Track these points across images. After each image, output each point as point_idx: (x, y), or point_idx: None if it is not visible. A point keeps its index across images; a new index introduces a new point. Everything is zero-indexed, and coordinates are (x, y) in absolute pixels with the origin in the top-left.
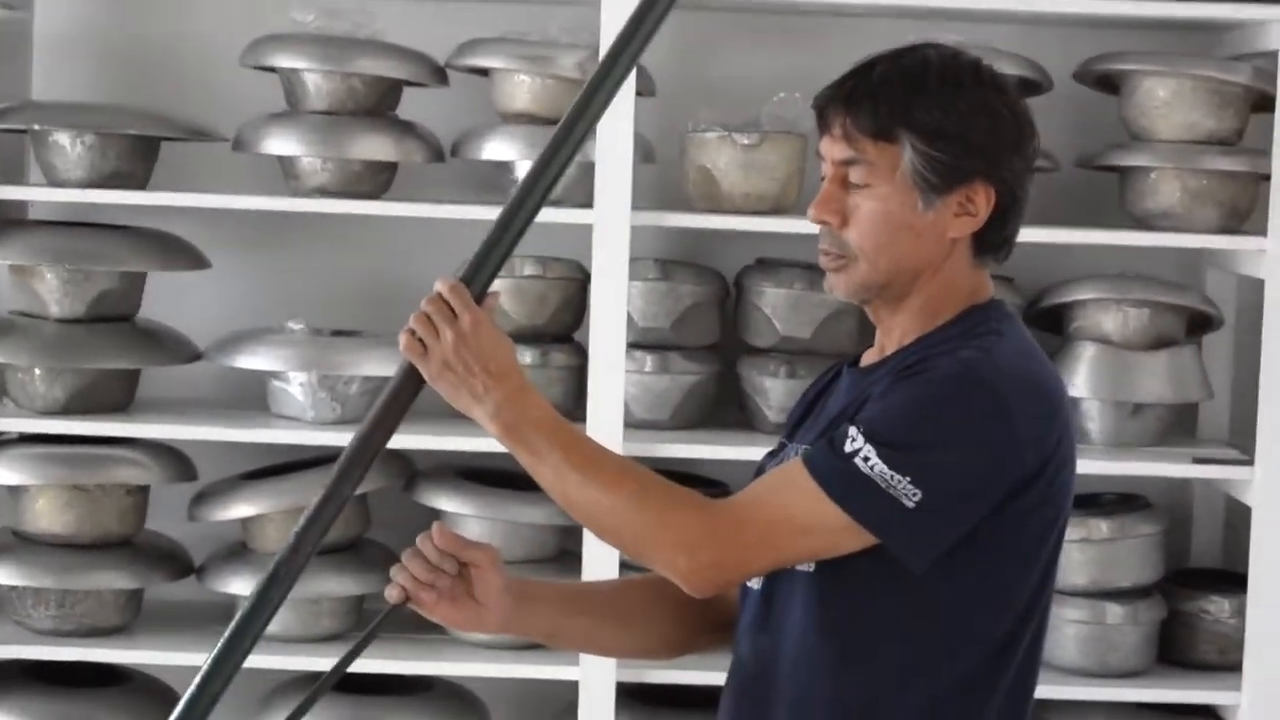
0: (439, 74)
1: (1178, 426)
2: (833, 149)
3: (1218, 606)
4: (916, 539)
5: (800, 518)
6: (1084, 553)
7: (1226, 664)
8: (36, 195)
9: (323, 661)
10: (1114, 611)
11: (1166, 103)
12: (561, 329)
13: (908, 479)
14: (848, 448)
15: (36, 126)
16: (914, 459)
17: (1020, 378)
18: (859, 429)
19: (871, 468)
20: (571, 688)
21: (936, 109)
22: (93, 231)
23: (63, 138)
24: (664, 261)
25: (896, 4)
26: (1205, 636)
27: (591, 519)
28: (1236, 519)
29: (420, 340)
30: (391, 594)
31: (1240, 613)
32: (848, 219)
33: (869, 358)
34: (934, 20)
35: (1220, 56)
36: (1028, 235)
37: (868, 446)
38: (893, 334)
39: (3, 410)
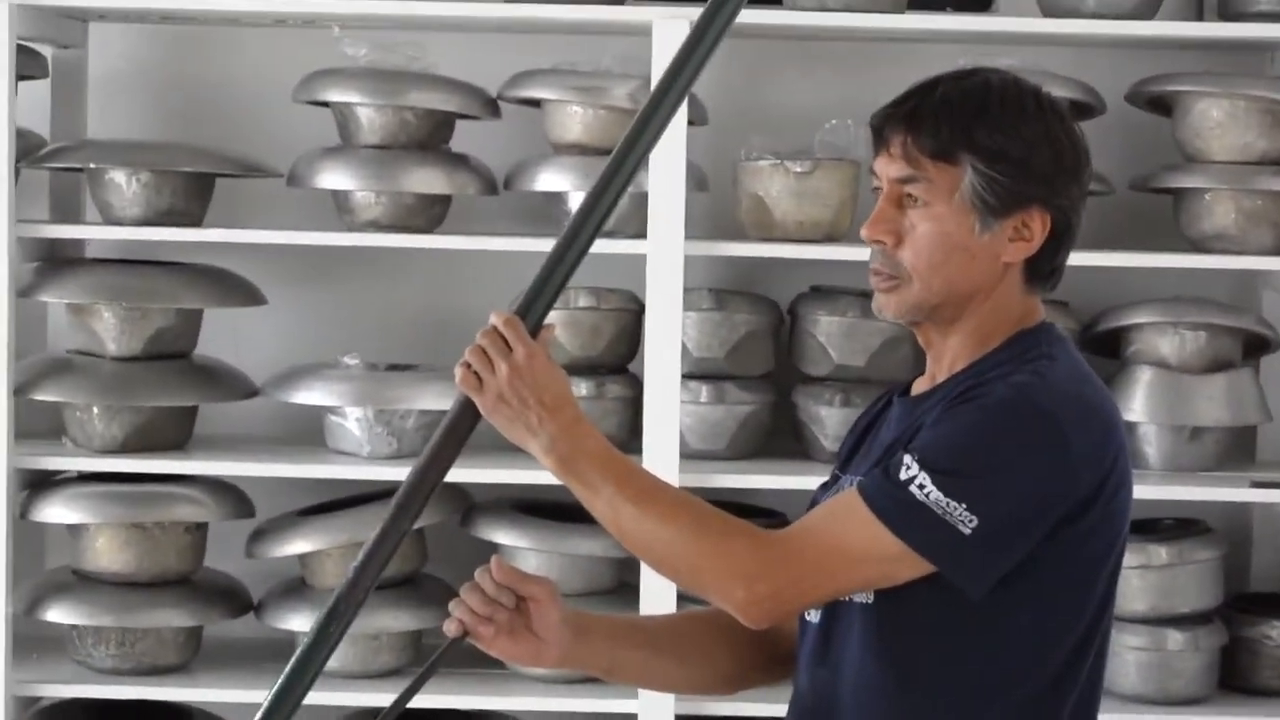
0: (491, 106)
1: (1236, 450)
2: (890, 167)
3: (1279, 631)
4: (973, 566)
5: (856, 547)
6: (1143, 579)
7: None
8: (93, 234)
9: (382, 697)
10: (1174, 638)
11: (1220, 124)
12: (616, 360)
13: (964, 506)
14: (903, 475)
15: (93, 165)
16: (970, 485)
17: (1074, 401)
18: (913, 456)
19: (927, 495)
20: None
21: (999, 133)
22: (149, 269)
23: (118, 176)
24: (718, 291)
25: (948, 29)
26: (1267, 662)
27: (648, 551)
28: None
29: (475, 374)
30: (450, 628)
31: None
32: (902, 239)
33: (920, 386)
34: (985, 44)
35: (1273, 76)
36: (1082, 259)
37: (923, 474)
38: (944, 360)
39: (62, 449)
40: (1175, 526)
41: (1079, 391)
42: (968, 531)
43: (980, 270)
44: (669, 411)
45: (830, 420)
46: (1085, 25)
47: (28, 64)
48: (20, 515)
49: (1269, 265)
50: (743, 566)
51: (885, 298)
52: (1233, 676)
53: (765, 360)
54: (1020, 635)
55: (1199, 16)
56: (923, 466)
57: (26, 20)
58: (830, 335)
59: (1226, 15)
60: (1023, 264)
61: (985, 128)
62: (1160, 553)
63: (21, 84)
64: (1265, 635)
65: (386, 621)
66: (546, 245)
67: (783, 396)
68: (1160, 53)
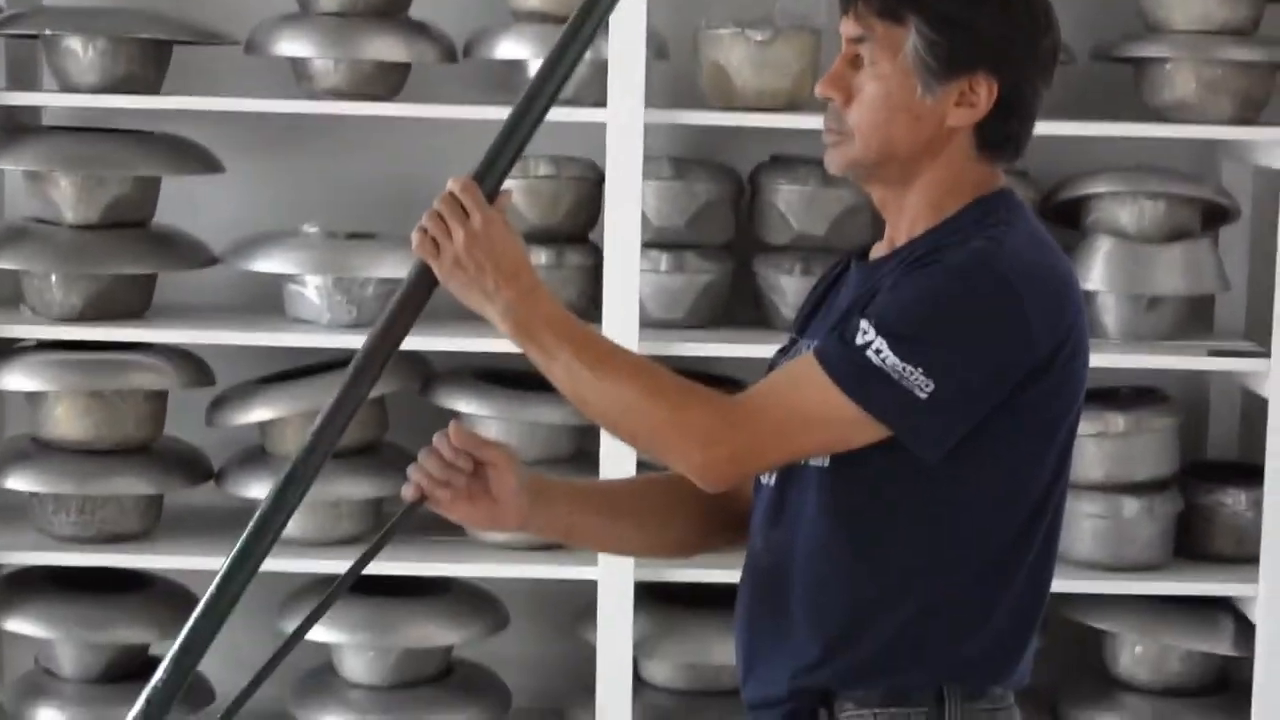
0: None
1: (1194, 319)
2: (846, 27)
3: (1234, 499)
4: (929, 430)
5: (813, 410)
6: (1100, 446)
7: (1243, 556)
8: (49, 101)
9: (341, 564)
10: (1130, 505)
11: None
12: (576, 229)
13: (919, 370)
14: (859, 340)
15: (48, 32)
16: (925, 350)
17: (1031, 267)
18: (870, 321)
19: (883, 359)
20: (590, 587)
21: None
22: (106, 137)
23: (74, 43)
24: (678, 160)
25: None
26: (1222, 529)
27: (605, 416)
28: (1253, 411)
29: (433, 240)
30: (408, 492)
31: (1257, 505)
32: (852, 97)
33: (877, 251)
34: None
35: None
36: (1042, 128)
37: (879, 339)
38: (900, 225)
39: (20, 317)
40: (1132, 395)
41: (1036, 258)
42: (924, 396)
43: (923, 133)
44: (629, 280)
45: (790, 288)
46: None
47: None
48: None
49: (1228, 134)
50: (700, 430)
51: (831, 152)
52: (1188, 543)
53: (725, 229)
54: (975, 500)
55: None
56: (879, 331)
57: None
58: (790, 204)
59: None
60: (973, 130)
61: None
62: (1117, 420)
63: None
64: (1220, 502)
65: (346, 489)
66: (505, 113)
67: (743, 265)
68: None
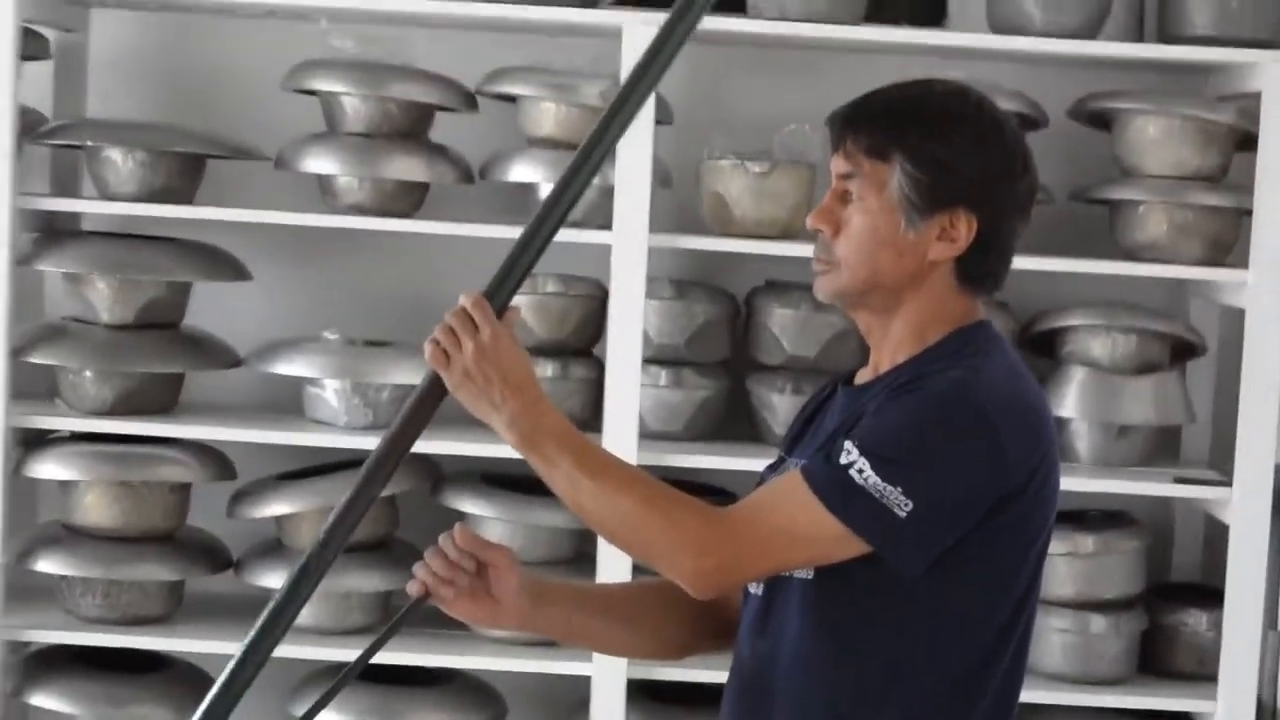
0: (469, 100)
1: (1161, 448)
2: (836, 163)
3: (1196, 619)
4: (908, 547)
5: (799, 526)
6: (1070, 566)
7: (1203, 674)
8: (89, 208)
9: (350, 653)
10: (1098, 622)
11: (1156, 140)
12: (581, 343)
13: (899, 490)
14: (843, 460)
15: (90, 143)
16: (906, 471)
17: (1007, 396)
18: (854, 443)
19: (865, 479)
20: (585, 683)
21: (929, 136)
22: (142, 243)
23: (115, 154)
24: (679, 281)
25: (901, 42)
26: (1184, 648)
27: (602, 524)
28: (1215, 537)
29: (444, 351)
30: (413, 588)
31: (1217, 626)
32: (840, 229)
33: (863, 376)
34: (936, 57)
35: (1207, 97)
36: (1022, 263)
37: (862, 459)
38: (884, 352)
39: (55, 410)
40: (1101, 518)
41: (1012, 388)
42: (903, 515)
43: (906, 265)
44: (629, 394)
45: (781, 406)
46: (1032, 43)
47: (32, 45)
48: (14, 471)
49: (1197, 275)
50: (691, 540)
51: (820, 280)
52: (1151, 660)
53: (722, 348)
54: (951, 614)
55: (1139, 38)
56: (862, 452)
57: (31, 4)
58: (783, 327)
59: (1165, 38)
60: (953, 264)
61: (917, 131)
62: (1087, 542)
63: (25, 64)
64: (1182, 622)
65: (357, 581)
66: (517, 233)
67: (737, 383)
68: (1102, 71)
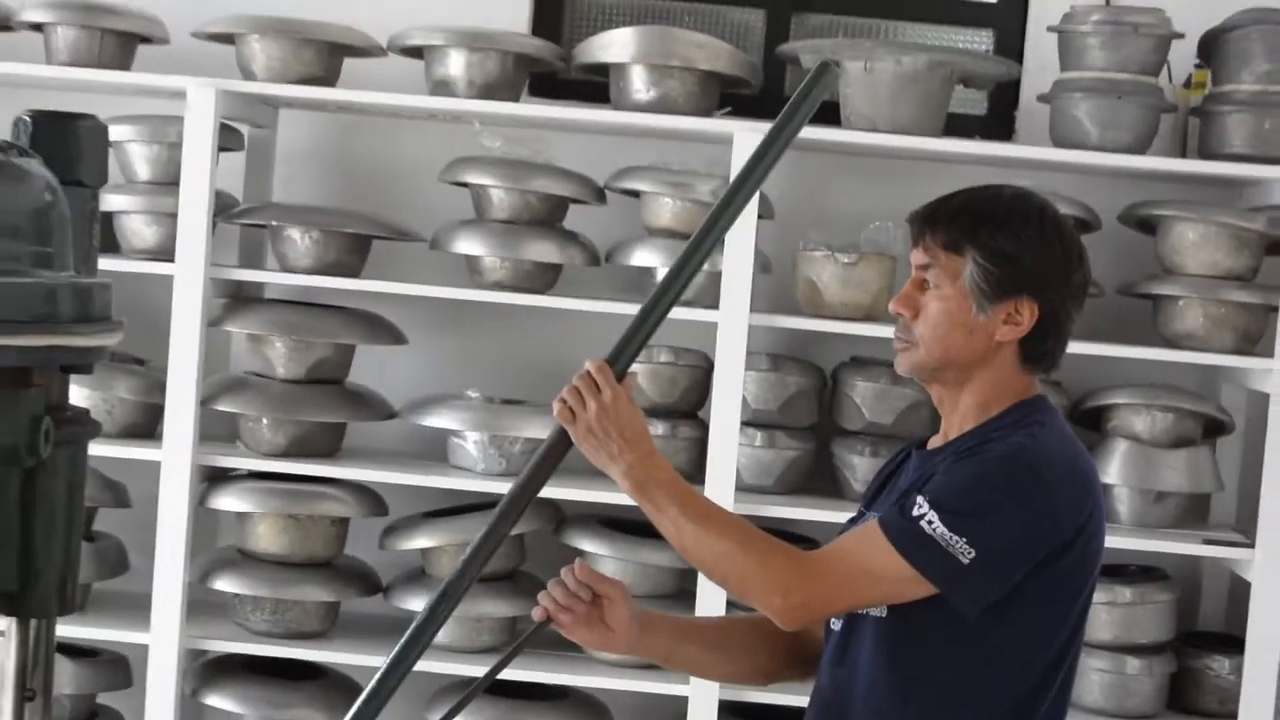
0: (599, 194)
1: (1192, 512)
2: (916, 256)
3: (1220, 664)
4: (970, 590)
5: (875, 569)
6: (1110, 614)
7: (1225, 713)
8: (271, 279)
9: (479, 669)
10: (1133, 664)
11: (1194, 243)
12: (688, 407)
13: (964, 540)
14: (915, 512)
15: (274, 223)
16: (970, 523)
17: (1060, 462)
18: (925, 498)
19: (934, 529)
20: (683, 702)
21: (999, 234)
22: (314, 310)
23: (294, 233)
24: (774, 355)
25: (975, 153)
26: (1208, 689)
27: (703, 563)
28: (1239, 591)
29: (570, 409)
30: (536, 614)
31: (1238, 670)
32: (918, 313)
33: (934, 442)
34: (1005, 167)
35: (1241, 207)
36: (1075, 348)
37: (932, 512)
38: (954, 421)
39: (235, 451)
40: (1138, 572)
41: (1065, 455)
42: (966, 561)
43: (976, 345)
44: (728, 452)
45: (861, 466)
46: (1088, 156)
47: (228, 139)
48: (199, 502)
49: (1228, 362)
50: (781, 579)
51: (900, 357)
52: (1179, 699)
53: (810, 414)
54: (1006, 651)
55: (1183, 154)
56: (932, 506)
57: (229, 104)
58: (864, 397)
59: (1205, 154)
60: (1017, 345)
61: (988, 229)
62: (1125, 593)
63: (222, 154)
64: (1208, 666)
65: (487, 608)
66: (636, 310)
67: (823, 445)
68: (1149, 182)
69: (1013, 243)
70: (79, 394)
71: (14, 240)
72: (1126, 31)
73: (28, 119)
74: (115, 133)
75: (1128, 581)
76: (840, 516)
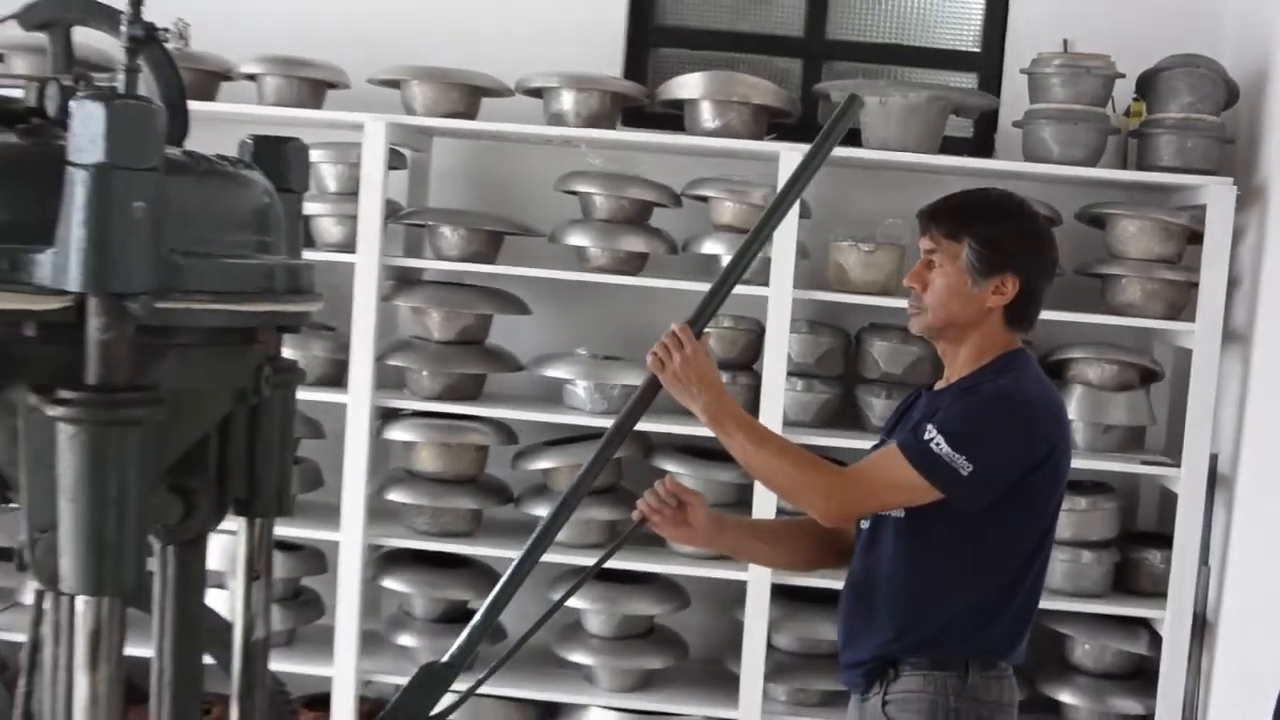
0: (676, 199)
1: (1132, 441)
2: (923, 242)
3: (1153, 556)
4: (969, 495)
5: (896, 480)
6: (1068, 518)
7: (1158, 592)
8: (428, 265)
9: (589, 560)
10: (1086, 555)
11: (1134, 235)
12: (745, 361)
13: (963, 457)
14: (926, 437)
15: (430, 223)
16: (968, 445)
17: (1036, 398)
18: (933, 426)
19: (941, 449)
20: (743, 585)
21: (987, 225)
22: (460, 288)
23: (446, 230)
24: (811, 321)
25: (963, 166)
26: (1145, 574)
27: (763, 476)
28: (1167, 500)
29: (660, 360)
30: (635, 515)
31: (1168, 561)
32: (926, 286)
33: (939, 385)
34: (988, 177)
35: (1169, 207)
36: (1043, 315)
37: (939, 436)
38: (954, 369)
39: (402, 395)
40: (1091, 486)
41: (1040, 393)
42: (965, 473)
43: (972, 310)
44: (776, 396)
45: (878, 406)
46: (1051, 169)
47: (395, 159)
48: (376, 435)
49: (1159, 325)
50: (823, 488)
51: (913, 320)
52: (1122, 583)
53: (839, 366)
54: (997, 541)
55: (1124, 166)
56: (939, 432)
57: (396, 134)
58: (881, 353)
59: (1141, 166)
60: (1003, 310)
61: (979, 221)
62: (1081, 502)
63: (391, 171)
64: (1144, 558)
65: (595, 513)
66: (707, 288)
67: (849, 390)
68: (1099, 188)
69: (999, 232)
70: (286, 352)
71: (242, 232)
72: (1080, 72)
73: (250, 142)
74: (311, 155)
75: (1083, 493)
76: (863, 444)
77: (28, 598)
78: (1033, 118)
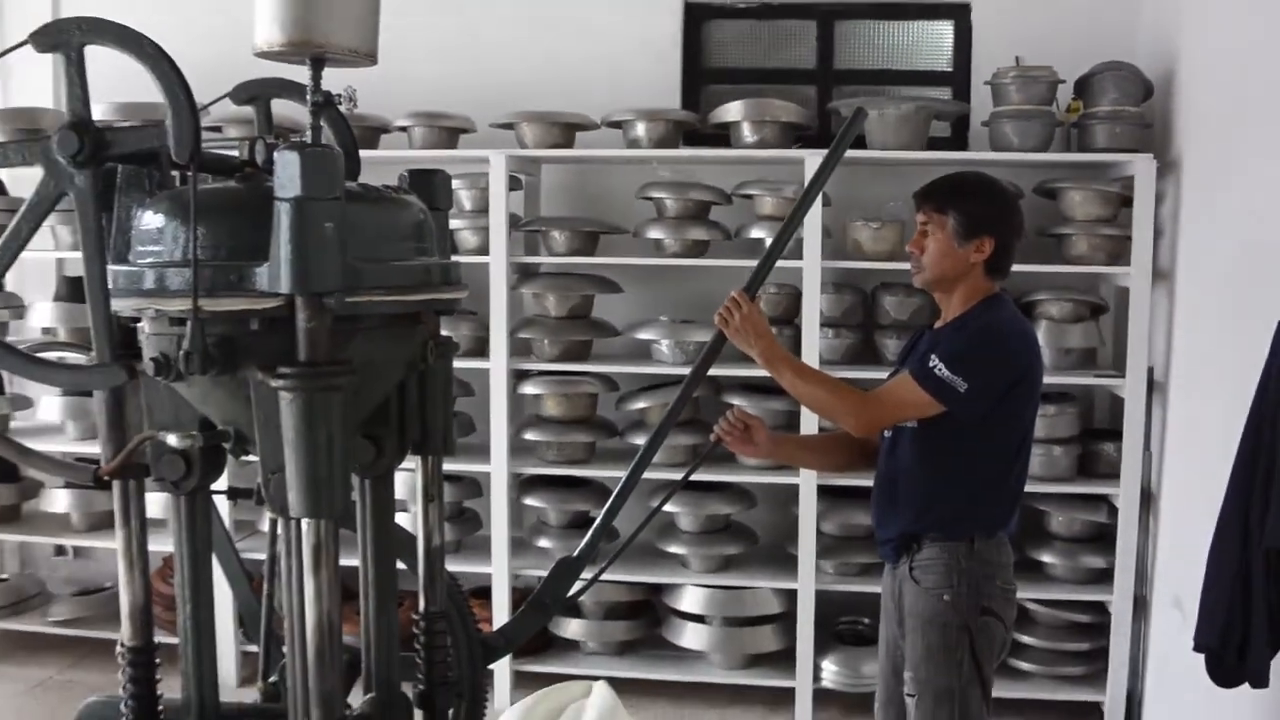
0: (727, 198)
1: (1087, 360)
2: (918, 217)
3: (1108, 447)
4: (966, 407)
5: (909, 399)
6: (1041, 421)
7: (1113, 474)
8: (544, 260)
9: (678, 474)
10: (1057, 449)
11: (1079, 203)
12: (788, 317)
13: (960, 378)
14: (930, 365)
15: (543, 228)
16: (963, 368)
17: (1014, 330)
18: (936, 355)
19: (942, 373)
20: (795, 488)
21: (969, 200)
22: (569, 276)
23: (555, 233)
24: (836, 284)
25: (945, 157)
26: (1103, 462)
27: (807, 402)
28: (1116, 404)
29: (724, 318)
30: (711, 438)
31: (1119, 449)
32: (923, 250)
33: (937, 325)
34: (967, 165)
35: (1106, 179)
36: (1015, 267)
37: (940, 363)
38: (949, 312)
39: (530, 360)
40: (1057, 395)
41: (1017, 326)
42: (962, 391)
43: (959, 266)
44: (813, 342)
45: (891, 346)
46: (1012, 156)
47: (514, 183)
48: (512, 390)
49: (1104, 270)
50: (853, 408)
51: (915, 277)
52: (1085, 469)
53: (859, 317)
54: (990, 441)
55: (1069, 149)
56: (940, 359)
57: (513, 164)
58: (891, 304)
59: (1082, 148)
60: (983, 264)
61: (961, 197)
62: (1050, 409)
63: (511, 193)
64: (1102, 448)
65: (680, 439)
66: (755, 264)
67: (868, 335)
68: (1050, 169)
69: (976, 205)
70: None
71: (405, 241)
72: (1030, 81)
73: (406, 174)
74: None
75: (1051, 402)
76: (880, 375)
77: (264, 526)
78: (996, 118)
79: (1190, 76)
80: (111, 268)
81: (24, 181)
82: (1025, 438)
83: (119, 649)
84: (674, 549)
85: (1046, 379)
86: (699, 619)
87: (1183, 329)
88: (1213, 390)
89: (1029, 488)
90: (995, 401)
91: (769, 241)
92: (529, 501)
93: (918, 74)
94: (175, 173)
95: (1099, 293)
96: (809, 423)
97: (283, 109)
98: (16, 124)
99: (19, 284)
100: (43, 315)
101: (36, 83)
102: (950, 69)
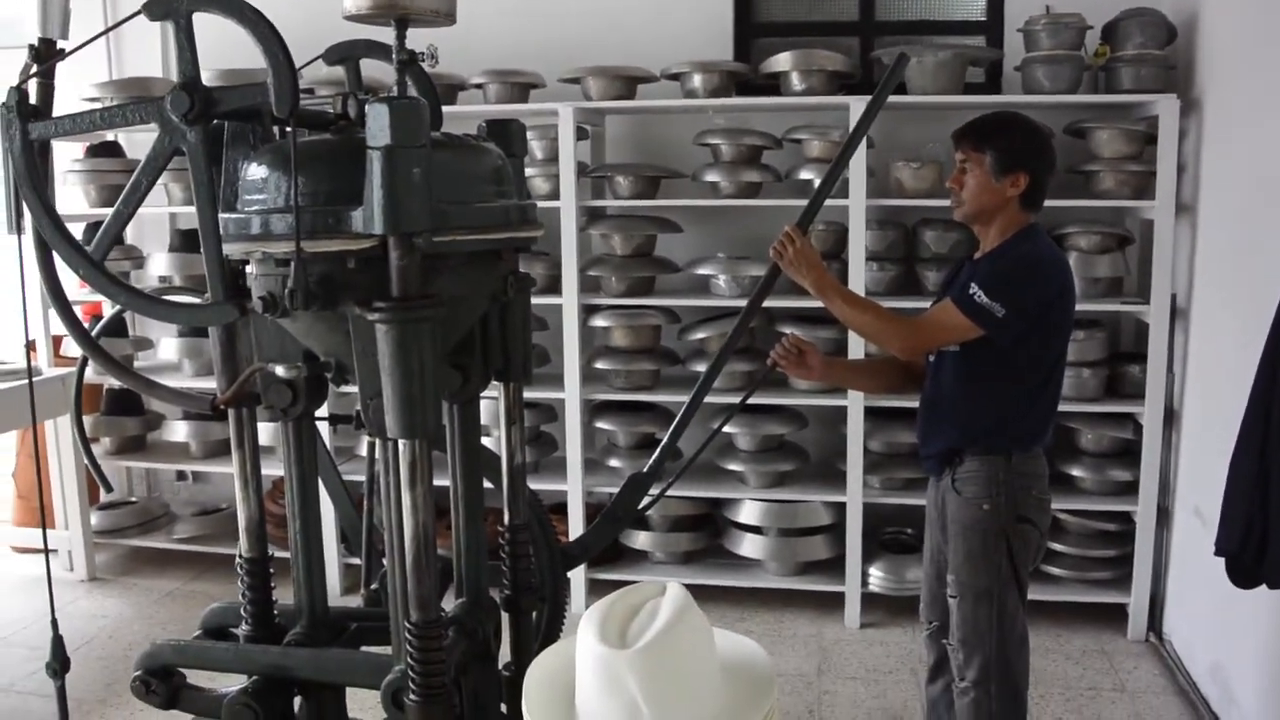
0: (778, 143)
1: (1113, 288)
2: (957, 155)
3: (1134, 369)
4: (1004, 330)
5: (951, 324)
6: (1072, 345)
7: (1138, 394)
8: (609, 204)
9: (736, 397)
10: (1085, 372)
11: (1106, 141)
12: (836, 252)
13: (998, 303)
14: (970, 292)
15: (608, 174)
16: (1001, 294)
17: (1047, 259)
18: (975, 283)
19: (981, 300)
20: (844, 410)
21: (1005, 137)
22: (633, 218)
23: (620, 178)
24: (880, 220)
25: (982, 100)
26: (1129, 383)
27: (857, 328)
28: (1141, 329)
29: (779, 251)
30: (768, 362)
31: (1144, 371)
32: (963, 186)
33: (976, 255)
34: (998, 106)
35: (1132, 118)
36: (1048, 202)
37: (979, 290)
38: (987, 243)
39: (599, 295)
40: (1087, 322)
41: (1050, 255)
42: (1000, 315)
43: (997, 200)
44: (859, 274)
45: (932, 277)
46: (1044, 99)
47: (580, 133)
48: (583, 323)
49: (1130, 204)
50: (900, 333)
51: (955, 211)
52: (1113, 389)
53: (903, 250)
54: (1027, 362)
55: (1096, 91)
56: (979, 287)
57: (580, 115)
58: (931, 238)
59: (1109, 90)
60: (1018, 198)
61: (997, 135)
62: (1079, 334)
63: (578, 142)
64: (1129, 369)
65: (738, 365)
66: (806, 202)
67: (910, 267)
68: (1079, 110)
69: (1011, 142)
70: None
71: (486, 185)
72: (1060, 28)
73: (484, 124)
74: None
75: (1082, 328)
76: (923, 304)
77: (362, 450)
78: (1028, 63)
79: (1212, 21)
80: (222, 215)
81: (140, 145)
82: (1059, 360)
83: (238, 560)
84: (733, 466)
85: (1076, 306)
86: (756, 530)
87: (1203, 258)
88: (1231, 315)
89: (1061, 407)
90: (1030, 326)
91: (818, 182)
92: (600, 425)
93: (954, 24)
94: (276, 128)
95: (1125, 225)
96: (856, 349)
97: (369, 69)
98: (130, 92)
99: (138, 237)
100: (159, 265)
101: (147, 53)
102: (984, 18)
